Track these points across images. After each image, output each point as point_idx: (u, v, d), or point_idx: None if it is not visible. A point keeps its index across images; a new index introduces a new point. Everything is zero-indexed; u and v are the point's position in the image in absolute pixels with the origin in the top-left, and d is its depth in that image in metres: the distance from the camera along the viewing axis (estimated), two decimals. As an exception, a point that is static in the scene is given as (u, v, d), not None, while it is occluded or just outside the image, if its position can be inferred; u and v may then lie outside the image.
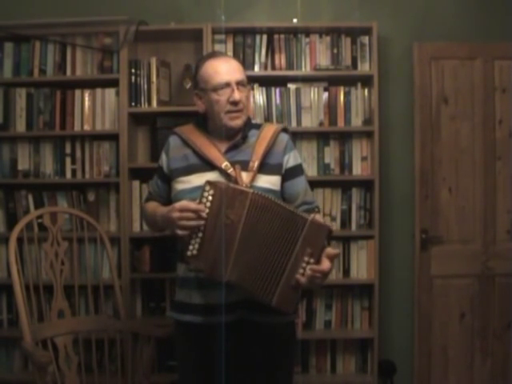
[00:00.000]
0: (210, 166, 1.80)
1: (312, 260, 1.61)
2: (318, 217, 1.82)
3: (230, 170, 1.76)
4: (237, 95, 1.78)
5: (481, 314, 2.95)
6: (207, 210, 1.64)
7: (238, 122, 1.82)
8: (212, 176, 1.77)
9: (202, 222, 1.64)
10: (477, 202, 2.95)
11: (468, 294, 2.95)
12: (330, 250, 1.65)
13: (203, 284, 1.75)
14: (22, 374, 2.96)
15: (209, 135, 1.87)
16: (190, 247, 1.65)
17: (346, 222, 2.96)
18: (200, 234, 1.64)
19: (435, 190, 2.94)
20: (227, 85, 1.78)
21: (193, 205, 1.65)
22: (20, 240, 2.30)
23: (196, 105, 1.90)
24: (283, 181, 1.85)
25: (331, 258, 1.64)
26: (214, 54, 1.91)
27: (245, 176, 1.76)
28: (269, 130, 1.88)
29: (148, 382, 2.32)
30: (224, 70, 1.80)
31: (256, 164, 1.78)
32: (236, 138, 1.85)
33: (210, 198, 1.64)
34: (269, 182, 1.80)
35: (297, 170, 1.88)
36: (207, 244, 1.64)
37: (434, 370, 2.96)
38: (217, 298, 1.72)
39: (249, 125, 1.89)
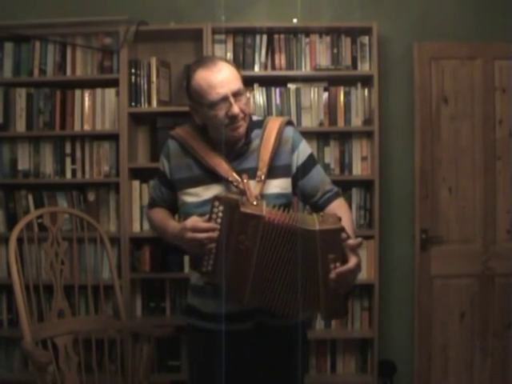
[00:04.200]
0: (215, 177, 1.72)
1: (338, 263, 1.54)
2: (340, 203, 1.78)
3: (238, 183, 1.68)
4: (235, 109, 1.66)
5: (481, 314, 2.95)
6: (218, 227, 1.58)
7: (239, 132, 1.71)
8: (219, 188, 1.71)
9: (215, 240, 1.58)
10: (477, 202, 2.95)
11: (468, 294, 2.95)
12: (350, 243, 1.56)
13: (218, 293, 1.69)
14: (22, 373, 2.97)
15: (210, 141, 1.78)
16: (205, 263, 1.61)
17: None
18: (213, 250, 1.60)
19: (435, 190, 2.94)
20: (224, 99, 1.65)
21: (204, 224, 1.58)
22: (20, 240, 2.30)
23: (193, 116, 1.78)
24: (298, 179, 1.77)
25: (354, 250, 1.56)
26: (204, 63, 1.71)
27: (253, 185, 1.69)
28: (272, 129, 1.76)
29: (148, 382, 2.33)
30: (218, 82, 1.65)
31: (264, 172, 1.70)
32: (239, 145, 1.75)
33: (221, 214, 1.58)
34: (278, 186, 1.74)
35: (309, 164, 1.79)
36: (221, 261, 1.60)
37: (433, 370, 2.96)
38: (235, 305, 1.68)
39: (251, 126, 1.77)
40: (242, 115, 1.69)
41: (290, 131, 1.79)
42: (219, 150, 1.75)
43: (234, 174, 1.70)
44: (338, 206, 1.77)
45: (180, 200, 1.80)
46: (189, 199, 1.76)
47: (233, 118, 1.67)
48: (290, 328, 1.74)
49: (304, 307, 1.60)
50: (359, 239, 1.59)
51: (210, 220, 1.59)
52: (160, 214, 1.88)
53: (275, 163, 1.74)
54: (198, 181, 1.74)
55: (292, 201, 1.80)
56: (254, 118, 1.85)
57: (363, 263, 2.91)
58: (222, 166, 1.72)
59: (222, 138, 1.72)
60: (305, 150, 1.81)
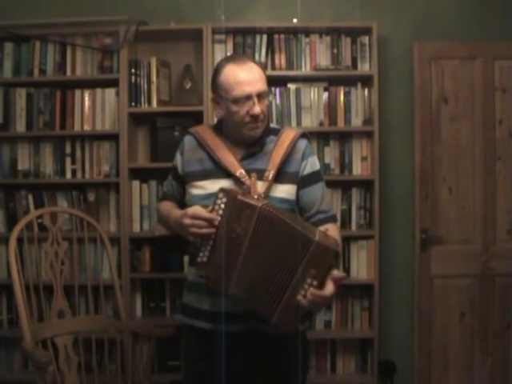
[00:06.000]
0: (224, 172, 1.75)
1: (315, 282, 1.55)
2: (333, 229, 1.75)
3: (245, 179, 1.71)
4: (257, 109, 1.70)
5: (481, 314, 2.95)
6: (219, 218, 1.60)
7: (257, 132, 1.75)
8: (226, 183, 1.73)
9: (213, 231, 1.60)
10: (477, 202, 2.95)
11: (468, 294, 2.95)
12: (335, 273, 1.57)
13: (213, 290, 1.70)
14: (22, 374, 2.97)
15: (225, 139, 1.81)
16: (201, 254, 1.62)
17: (346, 222, 2.96)
18: (211, 242, 1.61)
19: (435, 190, 2.94)
20: (248, 97, 1.70)
21: (205, 213, 1.61)
22: (20, 240, 2.30)
23: (213, 109, 1.82)
24: (299, 188, 1.79)
25: (336, 282, 1.57)
26: (235, 59, 1.78)
27: (260, 186, 1.71)
28: (287, 137, 1.80)
29: (148, 382, 2.33)
30: (246, 80, 1.70)
31: (272, 173, 1.72)
32: (253, 146, 1.78)
33: (223, 206, 1.60)
34: (285, 191, 1.75)
35: (313, 178, 1.81)
36: (217, 253, 1.61)
37: (434, 370, 2.96)
38: (227, 305, 1.69)
39: (267, 131, 1.81)
40: (262, 116, 1.74)
41: (303, 143, 1.83)
42: (232, 148, 1.79)
43: (242, 171, 1.73)
44: (331, 232, 1.74)
45: (188, 193, 1.83)
46: (195, 191, 1.79)
47: (253, 118, 1.72)
48: (284, 337, 1.71)
49: (261, 304, 1.59)
50: (344, 274, 1.62)
51: (212, 211, 1.61)
52: (167, 205, 1.92)
53: (285, 169, 1.77)
54: (206, 174, 1.78)
55: (295, 209, 1.80)
56: (272, 125, 1.90)
57: (363, 263, 2.94)
58: (232, 162, 1.75)
59: (234, 132, 1.77)
60: (314, 163, 1.83)
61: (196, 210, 1.64)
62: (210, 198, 1.67)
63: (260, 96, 1.72)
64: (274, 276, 1.58)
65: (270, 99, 1.82)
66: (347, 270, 2.94)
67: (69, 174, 2.96)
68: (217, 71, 1.78)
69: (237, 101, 1.71)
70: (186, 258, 2.87)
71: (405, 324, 3.05)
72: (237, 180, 1.73)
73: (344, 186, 2.97)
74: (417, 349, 2.94)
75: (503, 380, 2.94)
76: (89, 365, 2.40)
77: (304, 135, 1.85)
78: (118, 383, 2.38)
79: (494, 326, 2.95)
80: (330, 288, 1.56)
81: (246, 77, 1.71)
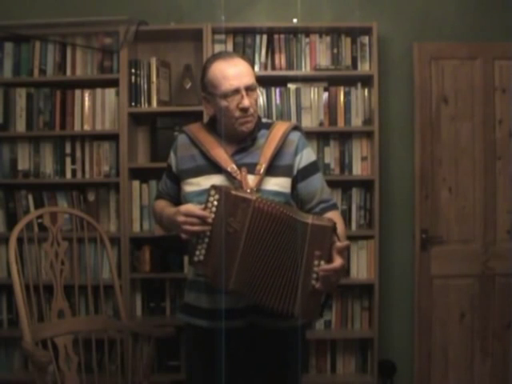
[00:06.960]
0: (217, 168, 1.76)
1: (322, 262, 1.56)
2: (335, 214, 1.76)
3: (237, 174, 1.72)
4: (246, 102, 1.72)
5: (481, 314, 2.95)
6: (213, 215, 1.60)
7: (248, 126, 1.76)
8: (219, 179, 1.74)
9: (207, 228, 1.60)
10: (477, 202, 2.95)
11: (468, 294, 2.95)
12: (338, 245, 1.59)
13: (212, 288, 1.71)
14: (22, 373, 2.97)
15: (217, 136, 1.82)
16: (197, 252, 1.62)
17: (346, 222, 2.95)
18: (206, 240, 1.61)
19: (435, 190, 2.94)
20: (236, 91, 1.72)
21: (197, 210, 1.61)
22: (20, 240, 2.30)
23: (204, 107, 1.85)
24: (297, 182, 1.79)
25: (341, 252, 1.59)
26: (221, 55, 1.81)
27: (251, 180, 1.72)
28: (278, 130, 1.81)
29: (148, 382, 2.32)
30: (233, 74, 1.73)
31: (263, 167, 1.73)
32: (245, 141, 1.79)
33: (216, 202, 1.60)
34: (277, 184, 1.75)
35: (310, 169, 1.82)
36: (213, 250, 1.61)
37: (433, 370, 2.96)
38: (226, 302, 1.70)
39: (258, 125, 1.83)
40: (251, 110, 1.75)
41: (296, 135, 1.83)
42: (224, 144, 1.80)
43: (234, 166, 1.74)
44: (333, 217, 1.75)
45: (182, 191, 1.83)
46: (189, 188, 1.80)
47: (243, 111, 1.73)
48: (284, 331, 1.72)
49: (276, 300, 1.59)
50: (347, 242, 1.63)
51: (205, 209, 1.61)
52: (161, 204, 1.93)
53: (277, 162, 1.77)
54: (199, 171, 1.79)
55: (290, 201, 1.80)
56: (264, 120, 1.90)
57: (363, 263, 2.94)
58: (224, 158, 1.76)
59: (226, 128, 1.78)
60: (309, 155, 1.84)
61: (189, 207, 1.64)
62: (204, 195, 1.68)
63: (248, 89, 1.74)
64: (280, 268, 1.58)
65: (259, 93, 1.82)
66: (347, 269, 2.94)
67: (69, 174, 2.96)
68: (205, 69, 1.81)
69: (225, 95, 1.73)
70: (186, 258, 2.87)
71: (405, 324, 3.05)
72: (229, 175, 1.74)
73: (344, 185, 2.97)
74: (417, 349, 2.94)
75: (503, 380, 2.94)
76: (89, 365, 2.40)
77: (296, 128, 1.85)
78: (118, 383, 2.38)
79: (493, 326, 2.95)
80: (338, 260, 1.58)
81: (232, 71, 1.74)
